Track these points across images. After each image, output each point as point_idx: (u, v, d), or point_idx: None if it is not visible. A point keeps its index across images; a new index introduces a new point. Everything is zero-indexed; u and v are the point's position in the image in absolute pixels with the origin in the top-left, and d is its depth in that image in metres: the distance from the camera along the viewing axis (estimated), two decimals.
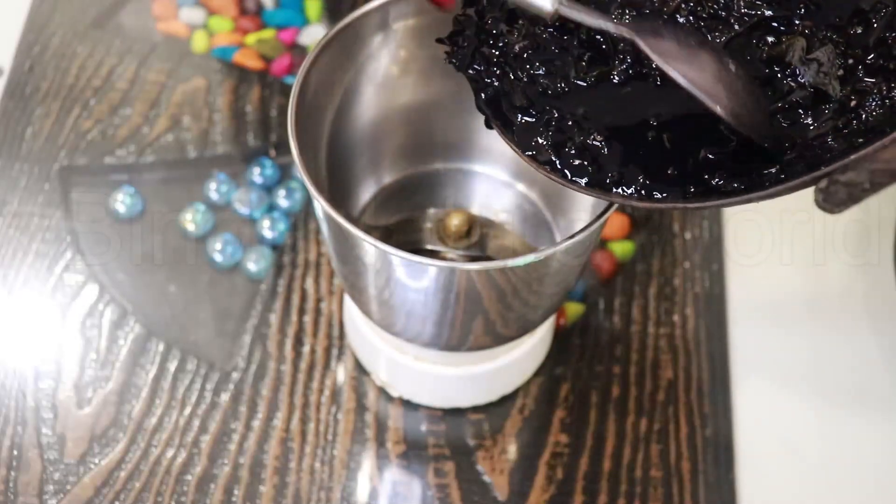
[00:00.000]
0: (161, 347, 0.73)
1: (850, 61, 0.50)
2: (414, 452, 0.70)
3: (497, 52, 0.54)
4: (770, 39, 0.52)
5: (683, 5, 0.53)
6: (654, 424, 0.71)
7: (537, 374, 0.72)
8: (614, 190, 0.51)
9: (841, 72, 0.50)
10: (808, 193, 0.48)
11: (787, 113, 0.50)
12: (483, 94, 0.54)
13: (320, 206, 0.55)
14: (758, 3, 0.53)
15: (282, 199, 0.78)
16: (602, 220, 0.55)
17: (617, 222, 0.78)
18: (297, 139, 0.56)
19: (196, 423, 0.70)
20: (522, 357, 0.69)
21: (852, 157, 0.45)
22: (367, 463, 0.69)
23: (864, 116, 0.49)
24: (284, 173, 0.80)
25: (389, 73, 0.64)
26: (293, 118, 0.56)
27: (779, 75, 0.51)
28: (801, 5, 0.52)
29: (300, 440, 0.70)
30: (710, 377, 0.72)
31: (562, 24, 0.53)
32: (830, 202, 0.47)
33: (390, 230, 0.67)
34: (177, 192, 0.78)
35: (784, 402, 0.72)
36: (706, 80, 0.47)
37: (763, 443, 0.70)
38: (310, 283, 0.75)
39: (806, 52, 0.51)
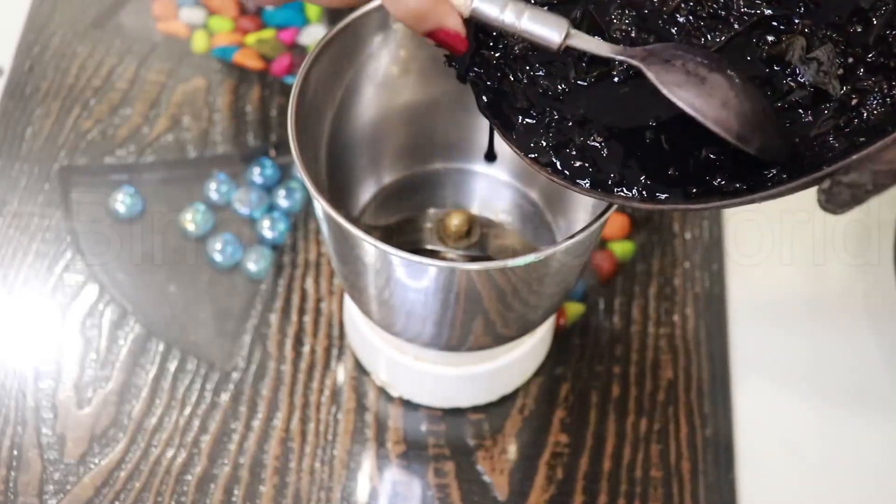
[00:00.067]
0: (161, 347, 0.73)
1: (850, 60, 0.50)
2: (414, 452, 0.70)
3: (497, 54, 0.54)
4: (770, 38, 0.52)
5: (683, 5, 0.53)
6: (654, 424, 0.71)
7: (537, 374, 0.72)
8: (616, 191, 0.51)
9: (841, 71, 0.50)
10: (809, 193, 0.48)
11: (787, 113, 0.50)
12: (484, 97, 0.54)
13: (320, 206, 0.55)
14: (757, 2, 0.53)
15: (282, 199, 0.78)
16: (602, 220, 0.55)
17: (617, 222, 0.78)
18: (297, 139, 0.56)
19: (196, 423, 0.70)
20: (522, 357, 0.69)
21: (854, 157, 0.45)
22: (367, 463, 0.69)
23: (865, 115, 0.49)
24: (284, 173, 0.80)
25: (389, 73, 0.64)
26: (293, 118, 0.56)
27: (778, 74, 0.51)
28: (801, 4, 0.52)
29: (300, 440, 0.70)
30: (710, 377, 0.72)
31: None
32: (833, 203, 0.47)
33: (390, 230, 0.67)
34: (177, 192, 0.78)
35: (784, 402, 0.72)
36: (712, 106, 0.47)
37: (763, 443, 0.70)
38: (310, 283, 0.75)
39: (806, 51, 0.51)
